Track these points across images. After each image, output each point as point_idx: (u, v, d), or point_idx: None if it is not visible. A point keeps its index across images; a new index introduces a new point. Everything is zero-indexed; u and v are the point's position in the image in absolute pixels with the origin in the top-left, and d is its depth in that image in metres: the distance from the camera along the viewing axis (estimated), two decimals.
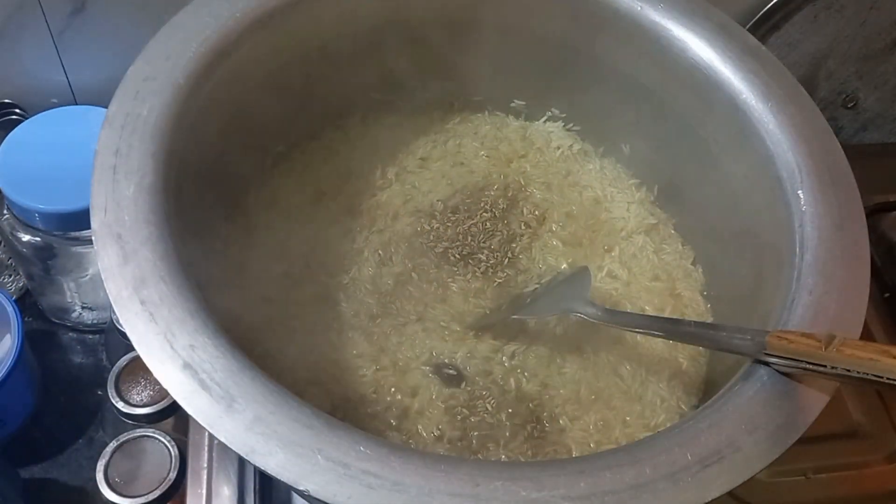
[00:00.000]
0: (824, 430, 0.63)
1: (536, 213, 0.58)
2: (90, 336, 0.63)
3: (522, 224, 0.57)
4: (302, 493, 0.34)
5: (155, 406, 0.57)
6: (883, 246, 0.76)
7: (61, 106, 0.56)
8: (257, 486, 0.52)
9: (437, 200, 0.57)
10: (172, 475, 0.54)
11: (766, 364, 0.39)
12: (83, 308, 0.61)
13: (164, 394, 0.57)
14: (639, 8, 0.53)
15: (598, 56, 0.56)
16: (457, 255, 0.54)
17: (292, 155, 0.58)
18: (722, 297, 0.55)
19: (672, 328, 0.47)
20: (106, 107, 0.43)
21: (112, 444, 0.54)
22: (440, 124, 0.62)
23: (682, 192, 0.57)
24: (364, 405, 0.48)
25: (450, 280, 0.54)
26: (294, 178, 0.57)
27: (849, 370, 0.35)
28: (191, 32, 0.46)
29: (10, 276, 0.63)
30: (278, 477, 0.33)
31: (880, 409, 0.66)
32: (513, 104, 0.62)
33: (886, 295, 0.73)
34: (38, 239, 0.55)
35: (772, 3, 0.70)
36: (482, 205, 0.57)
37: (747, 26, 0.70)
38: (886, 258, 0.75)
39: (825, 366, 0.36)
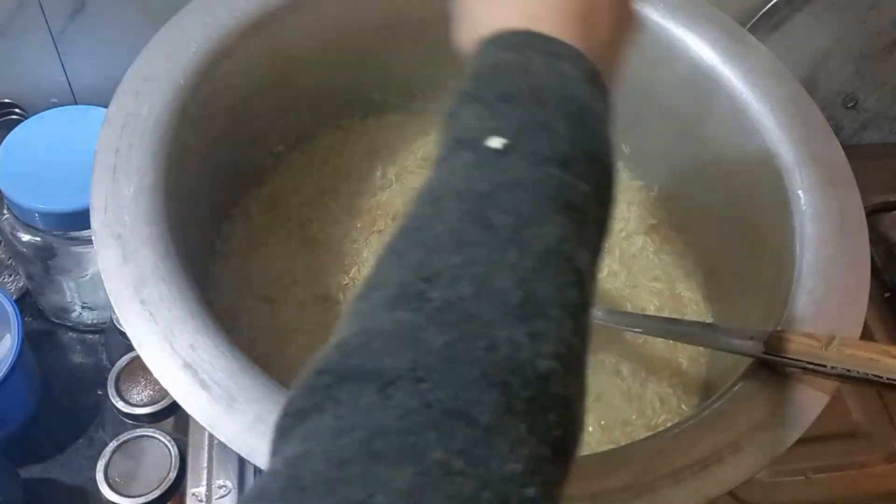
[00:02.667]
0: (824, 430, 0.63)
1: None
2: (90, 336, 0.63)
3: None
4: None
5: (155, 406, 0.57)
6: (883, 246, 0.75)
7: (61, 106, 0.56)
8: None
9: None
10: (172, 475, 0.54)
11: (766, 364, 0.39)
12: (83, 308, 0.61)
13: (164, 393, 0.57)
14: (639, 8, 0.53)
15: None
16: None
17: (292, 155, 0.58)
18: (722, 297, 0.55)
19: (672, 328, 0.47)
20: (106, 106, 0.43)
21: (112, 444, 0.54)
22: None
23: (682, 192, 0.57)
24: None
25: None
26: (294, 178, 0.57)
27: (849, 370, 0.35)
28: (191, 32, 0.46)
29: (10, 275, 0.63)
30: None
31: (880, 409, 0.66)
32: None
33: (887, 295, 0.73)
34: (38, 239, 0.55)
35: (772, 3, 0.70)
36: None
37: (747, 26, 0.70)
38: (886, 258, 0.74)
39: (825, 366, 0.36)
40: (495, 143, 0.27)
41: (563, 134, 0.28)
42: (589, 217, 0.28)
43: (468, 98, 0.29)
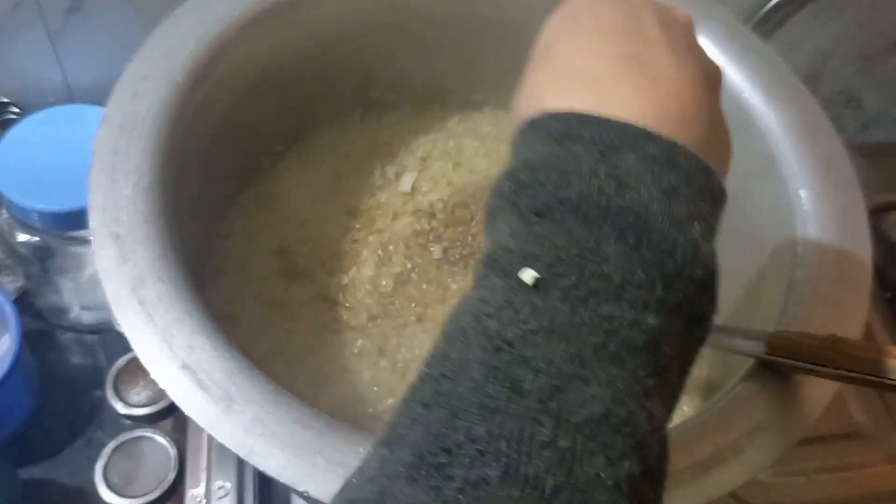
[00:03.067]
0: (824, 430, 0.63)
1: None
2: (88, 336, 0.62)
3: None
4: (301, 494, 0.34)
5: (153, 406, 0.56)
6: (884, 246, 0.75)
7: (58, 105, 0.56)
8: (256, 487, 0.52)
9: (438, 200, 0.57)
10: (171, 476, 0.54)
11: (767, 364, 0.39)
12: (81, 308, 0.61)
13: (162, 394, 0.57)
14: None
15: None
16: (457, 256, 0.54)
17: (291, 154, 0.58)
18: (722, 297, 0.54)
19: None
20: (103, 105, 0.43)
21: (111, 445, 0.54)
22: (440, 124, 0.62)
23: None
24: (364, 405, 0.48)
25: (450, 280, 0.53)
26: (293, 177, 0.57)
27: (850, 371, 0.35)
28: (188, 31, 0.46)
29: (9, 276, 0.63)
30: (278, 478, 0.33)
31: (880, 409, 0.66)
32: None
33: (888, 295, 0.73)
34: (36, 239, 0.55)
35: (773, 3, 0.69)
36: (482, 205, 0.57)
37: (749, 26, 0.70)
38: (888, 258, 0.74)
39: (826, 366, 0.36)
40: (528, 275, 0.23)
41: (615, 257, 0.23)
42: (662, 352, 0.23)
43: (504, 202, 0.25)
